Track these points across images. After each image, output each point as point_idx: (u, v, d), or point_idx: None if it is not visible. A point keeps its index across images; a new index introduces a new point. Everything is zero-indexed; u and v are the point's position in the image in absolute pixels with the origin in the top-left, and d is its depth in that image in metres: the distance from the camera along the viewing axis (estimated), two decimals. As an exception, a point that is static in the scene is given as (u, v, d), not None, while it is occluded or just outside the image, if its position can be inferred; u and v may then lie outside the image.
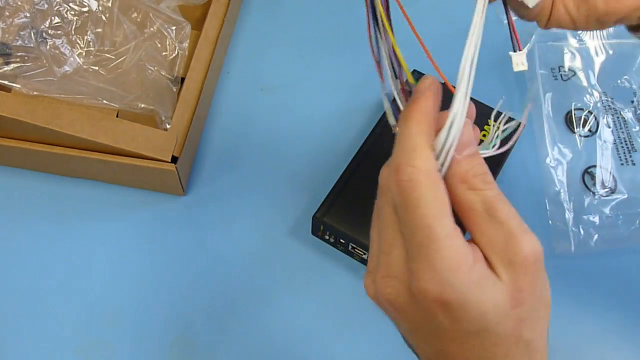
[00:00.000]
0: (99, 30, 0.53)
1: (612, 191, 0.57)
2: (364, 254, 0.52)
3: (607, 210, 0.56)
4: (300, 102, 0.63)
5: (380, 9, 0.30)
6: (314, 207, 0.52)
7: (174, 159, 0.52)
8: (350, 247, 0.52)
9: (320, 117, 0.62)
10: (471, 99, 0.59)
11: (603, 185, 0.58)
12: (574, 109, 0.62)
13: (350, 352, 0.51)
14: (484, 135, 0.56)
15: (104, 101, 0.51)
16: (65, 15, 0.52)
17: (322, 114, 0.62)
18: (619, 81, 0.64)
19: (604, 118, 0.61)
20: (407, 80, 0.32)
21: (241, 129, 0.62)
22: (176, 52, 0.56)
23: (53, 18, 0.51)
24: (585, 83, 0.64)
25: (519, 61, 0.28)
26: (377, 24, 0.30)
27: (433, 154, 0.29)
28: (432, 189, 0.28)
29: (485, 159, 0.58)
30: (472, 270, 0.27)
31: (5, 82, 0.50)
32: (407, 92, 0.32)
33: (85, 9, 0.52)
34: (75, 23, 0.52)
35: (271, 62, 0.66)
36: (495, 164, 0.56)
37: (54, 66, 0.50)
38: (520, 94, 0.65)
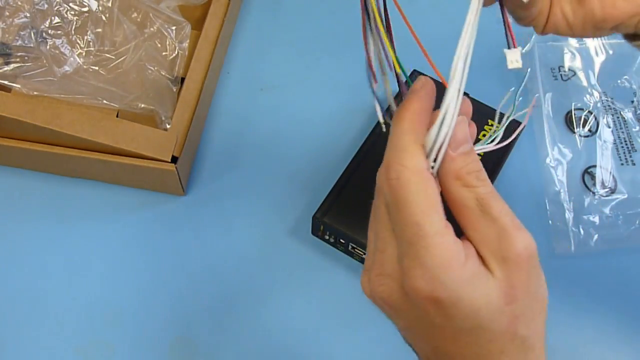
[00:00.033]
0: (99, 30, 0.53)
1: (612, 191, 0.57)
2: (364, 254, 0.52)
3: (607, 210, 0.56)
4: (300, 103, 0.63)
5: (374, 11, 0.29)
6: (314, 207, 0.52)
7: (174, 159, 0.52)
8: (350, 247, 0.52)
9: (320, 117, 0.62)
10: (471, 99, 0.59)
11: (603, 185, 0.58)
12: (574, 109, 0.62)
13: (350, 351, 0.51)
14: (484, 135, 0.56)
15: (104, 101, 0.51)
16: (65, 15, 0.52)
17: (322, 114, 0.62)
18: (619, 81, 0.64)
19: (604, 118, 0.61)
20: (406, 82, 0.32)
21: (241, 129, 0.62)
22: (176, 52, 0.56)
23: (53, 18, 0.51)
24: (585, 83, 0.64)
25: (513, 58, 0.28)
26: (371, 26, 0.30)
27: (423, 153, 0.29)
28: (422, 187, 0.28)
29: (485, 159, 0.58)
30: (464, 267, 0.27)
31: (5, 82, 0.50)
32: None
33: (85, 9, 0.52)
34: (75, 23, 0.52)
35: (271, 62, 0.66)
36: (495, 163, 0.56)
37: (54, 66, 0.50)
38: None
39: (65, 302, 0.52)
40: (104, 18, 0.53)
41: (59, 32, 0.51)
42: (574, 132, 0.61)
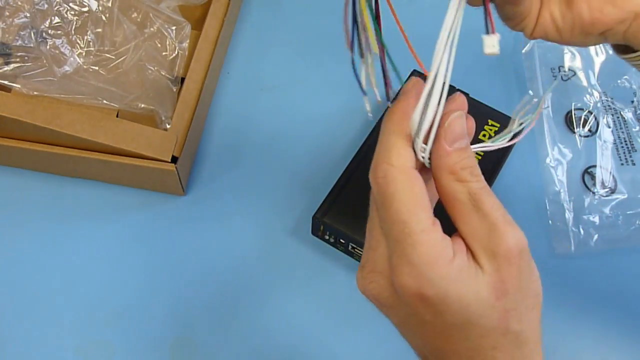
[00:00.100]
0: (99, 30, 0.53)
1: (612, 191, 0.57)
2: (364, 254, 0.52)
3: (607, 210, 0.56)
4: (300, 103, 0.63)
5: (364, 14, 0.30)
6: (314, 207, 0.52)
7: (174, 159, 0.52)
8: (350, 247, 0.52)
9: (320, 118, 0.62)
10: (471, 99, 0.60)
11: (603, 185, 0.58)
12: (574, 109, 0.62)
13: (350, 351, 0.51)
14: (484, 135, 0.56)
15: (104, 101, 0.51)
16: (65, 15, 0.52)
17: (322, 114, 0.62)
18: (619, 81, 0.64)
19: (604, 118, 0.61)
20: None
21: (241, 129, 0.62)
22: (176, 52, 0.56)
23: (53, 18, 0.51)
24: (585, 83, 0.64)
25: (490, 43, 0.28)
26: (358, 28, 0.31)
27: (411, 152, 0.29)
28: (408, 186, 0.28)
29: (485, 159, 0.58)
30: (451, 264, 0.28)
31: (5, 82, 0.50)
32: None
33: (85, 9, 0.52)
34: (75, 23, 0.52)
35: (271, 62, 0.66)
36: (495, 163, 0.56)
37: (54, 66, 0.50)
38: (520, 94, 0.65)
39: (65, 302, 0.52)
40: (104, 18, 0.53)
41: (59, 32, 0.51)
42: (574, 132, 0.61)
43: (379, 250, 0.30)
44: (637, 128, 0.61)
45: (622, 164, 0.59)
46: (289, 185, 0.58)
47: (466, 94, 0.58)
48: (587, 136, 0.61)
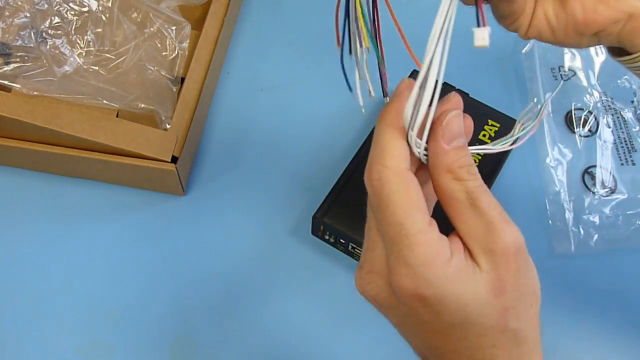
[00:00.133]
0: (99, 30, 0.53)
1: (612, 191, 0.57)
2: (364, 254, 0.52)
3: (607, 210, 0.56)
4: (300, 103, 0.63)
5: (358, 8, 0.30)
6: (314, 207, 0.52)
7: (174, 159, 0.52)
8: (350, 247, 0.52)
9: (320, 118, 0.62)
10: (471, 99, 0.59)
11: (603, 185, 0.58)
12: (574, 109, 0.62)
13: (350, 351, 0.51)
14: (484, 135, 0.56)
15: (104, 101, 0.51)
16: (65, 15, 0.52)
17: (322, 114, 0.62)
18: (619, 81, 0.64)
19: (604, 118, 0.61)
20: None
21: (241, 129, 0.62)
22: (176, 52, 0.56)
23: (53, 18, 0.51)
24: (585, 83, 0.64)
25: (480, 36, 0.28)
26: (349, 23, 0.31)
27: (406, 153, 0.29)
28: (403, 187, 0.28)
29: (485, 159, 0.58)
30: (448, 264, 0.28)
31: (5, 82, 0.50)
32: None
33: (85, 9, 0.52)
34: (75, 23, 0.52)
35: (271, 62, 0.66)
36: (495, 163, 0.56)
37: (54, 66, 0.50)
38: (520, 94, 0.65)
39: (65, 302, 0.52)
40: (104, 18, 0.53)
41: (59, 32, 0.51)
42: (574, 132, 0.61)
43: (377, 251, 0.30)
44: (637, 128, 0.61)
45: (622, 164, 0.59)
46: (289, 185, 0.58)
47: (466, 94, 0.58)
48: (587, 136, 0.61)
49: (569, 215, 0.56)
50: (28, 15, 0.51)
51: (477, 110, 0.58)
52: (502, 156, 0.57)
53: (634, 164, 0.59)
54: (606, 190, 0.57)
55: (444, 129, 0.29)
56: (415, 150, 0.30)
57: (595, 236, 0.55)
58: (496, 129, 0.57)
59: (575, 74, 0.64)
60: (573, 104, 0.62)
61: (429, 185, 0.31)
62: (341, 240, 0.52)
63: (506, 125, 0.57)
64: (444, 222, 0.30)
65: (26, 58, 0.50)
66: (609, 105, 0.62)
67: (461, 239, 0.29)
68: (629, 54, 0.36)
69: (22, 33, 0.50)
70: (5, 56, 0.50)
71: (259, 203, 0.57)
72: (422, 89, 0.28)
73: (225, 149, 0.60)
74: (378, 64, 0.31)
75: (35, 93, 0.50)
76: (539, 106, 0.34)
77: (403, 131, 0.30)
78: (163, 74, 0.54)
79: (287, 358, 0.51)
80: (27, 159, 0.56)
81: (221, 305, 0.52)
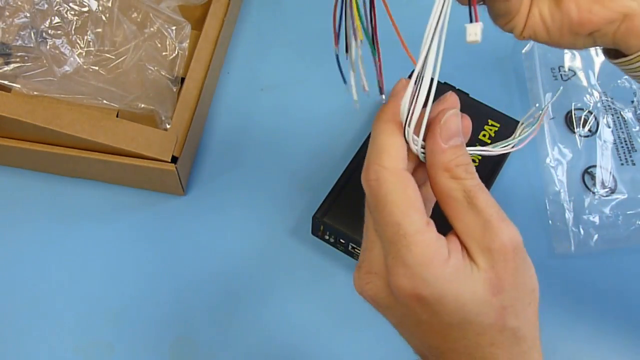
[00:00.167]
0: (99, 30, 0.53)
1: (612, 191, 0.57)
2: (364, 254, 0.52)
3: (607, 210, 0.56)
4: (300, 102, 0.63)
5: (355, 12, 0.30)
6: (314, 207, 0.52)
7: (174, 159, 0.52)
8: (350, 247, 0.52)
9: (320, 117, 0.62)
10: (471, 99, 0.59)
11: (603, 185, 0.58)
12: (574, 109, 0.62)
13: (350, 351, 0.51)
14: (484, 136, 0.56)
15: (104, 101, 0.51)
16: (65, 15, 0.52)
17: (322, 114, 0.62)
18: (619, 81, 0.64)
19: (604, 118, 0.61)
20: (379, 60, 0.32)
21: (241, 129, 0.62)
22: (176, 52, 0.56)
23: (53, 18, 0.51)
24: (585, 83, 0.64)
25: (473, 31, 0.28)
26: (346, 18, 0.31)
27: (403, 153, 0.29)
28: (400, 187, 0.29)
29: (485, 159, 0.58)
30: (446, 263, 0.28)
31: (5, 82, 0.50)
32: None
33: (85, 9, 0.52)
34: (75, 23, 0.52)
35: (271, 62, 0.66)
36: (495, 164, 0.56)
37: (54, 66, 0.50)
38: (520, 94, 0.65)
39: (65, 301, 0.52)
40: (104, 18, 0.53)
41: (59, 32, 0.51)
42: (574, 132, 0.61)
43: (375, 251, 0.30)
44: (637, 128, 0.61)
45: (622, 164, 0.59)
46: (289, 185, 0.58)
47: (466, 94, 0.58)
48: (587, 136, 0.61)
49: (569, 215, 0.56)
50: (28, 15, 0.51)
51: (477, 110, 0.58)
52: (502, 156, 0.57)
53: (634, 164, 0.59)
54: (606, 190, 0.57)
55: (441, 127, 0.29)
56: (413, 147, 0.30)
57: (595, 236, 0.55)
58: (496, 129, 0.57)
59: (575, 74, 0.64)
60: (573, 104, 0.62)
61: (427, 186, 0.31)
62: (341, 240, 0.52)
63: (506, 125, 0.57)
64: (443, 222, 0.30)
65: (26, 58, 0.50)
66: (609, 105, 0.62)
67: (459, 238, 0.29)
68: (625, 55, 0.36)
69: (22, 33, 0.50)
70: (5, 56, 0.50)
71: (259, 203, 0.57)
72: (418, 84, 0.28)
73: (225, 149, 0.60)
74: (373, 56, 0.31)
75: (35, 93, 0.50)
76: (539, 112, 0.34)
77: (400, 131, 0.30)
78: (163, 74, 0.54)
79: (287, 358, 0.51)
80: (27, 159, 0.56)
81: (221, 305, 0.52)
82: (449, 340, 0.29)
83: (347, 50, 0.33)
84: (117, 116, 0.53)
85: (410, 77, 0.29)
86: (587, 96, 0.63)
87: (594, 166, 0.59)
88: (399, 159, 0.29)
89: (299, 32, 0.68)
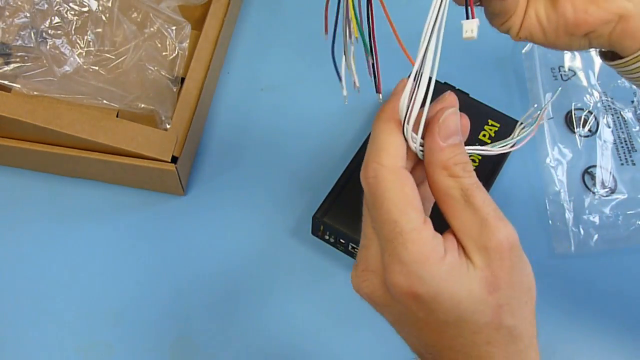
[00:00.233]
0: (99, 30, 0.53)
1: (612, 191, 0.57)
2: (364, 254, 0.52)
3: (607, 210, 0.56)
4: (301, 102, 0.63)
5: (350, 9, 0.30)
6: (314, 207, 0.52)
7: (174, 159, 0.52)
8: (350, 247, 0.52)
9: (320, 117, 0.62)
10: (471, 99, 0.59)
11: (603, 185, 0.58)
12: (574, 109, 0.62)
13: (350, 351, 0.51)
14: (484, 135, 0.56)
15: (104, 101, 0.51)
16: (65, 15, 0.52)
17: (322, 114, 0.62)
18: (619, 81, 0.64)
19: (604, 118, 0.61)
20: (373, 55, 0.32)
21: (241, 129, 0.62)
22: (176, 52, 0.56)
23: (53, 18, 0.51)
24: (585, 83, 0.64)
25: (469, 28, 0.28)
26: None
27: (402, 152, 0.30)
28: (398, 185, 0.29)
29: (485, 159, 0.58)
30: (442, 261, 0.28)
31: (5, 82, 0.50)
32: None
33: (85, 9, 0.52)
34: (75, 23, 0.52)
35: (271, 62, 0.66)
36: (495, 164, 0.56)
37: (54, 66, 0.50)
38: (520, 94, 0.65)
39: (65, 301, 0.52)
40: (104, 18, 0.53)
41: (59, 32, 0.51)
42: (574, 132, 0.61)
43: (372, 249, 0.30)
44: (637, 128, 0.61)
45: (622, 164, 0.59)
46: (289, 185, 0.58)
47: (466, 94, 0.58)
48: (587, 136, 0.61)
49: (569, 215, 0.56)
50: (28, 15, 0.51)
51: (477, 110, 0.58)
52: (502, 156, 0.57)
53: (634, 164, 0.59)
54: (606, 190, 0.57)
55: (440, 125, 0.29)
56: (412, 144, 0.30)
57: (595, 236, 0.55)
58: (496, 129, 0.57)
59: (575, 74, 0.64)
60: (573, 104, 0.62)
61: (426, 185, 0.31)
62: (341, 240, 0.52)
63: (506, 125, 0.57)
64: (441, 221, 0.30)
65: (26, 58, 0.50)
66: (609, 105, 0.62)
67: (455, 236, 0.29)
68: (621, 57, 0.36)
69: (22, 33, 0.50)
70: (5, 56, 0.50)
71: (259, 203, 0.57)
72: (417, 82, 0.28)
73: (225, 149, 0.60)
74: (366, 53, 0.32)
75: (35, 93, 0.50)
76: (538, 113, 0.34)
77: (400, 131, 0.30)
78: (163, 74, 0.54)
79: (287, 358, 0.51)
80: (27, 159, 0.56)
81: (221, 305, 0.52)
82: (446, 338, 0.29)
83: (344, 50, 0.33)
84: (117, 116, 0.53)
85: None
86: (587, 96, 0.63)
87: (594, 166, 0.59)
88: (398, 158, 0.29)
89: (299, 32, 0.68)
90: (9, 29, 0.51)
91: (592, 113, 0.62)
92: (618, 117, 0.62)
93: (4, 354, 0.50)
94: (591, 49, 0.38)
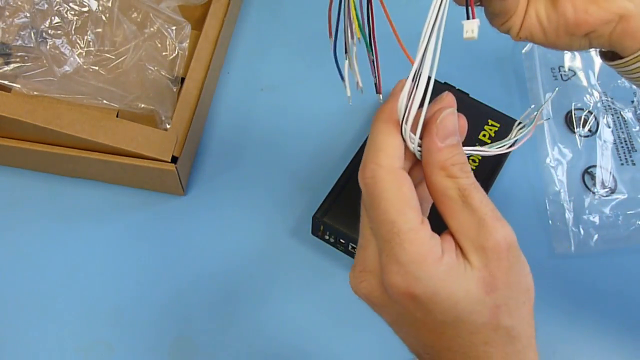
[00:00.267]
0: (99, 30, 0.53)
1: (612, 191, 0.57)
2: (364, 254, 0.52)
3: (607, 210, 0.56)
4: (301, 102, 0.63)
5: (352, 9, 0.30)
6: (314, 207, 0.52)
7: (174, 159, 0.52)
8: (350, 247, 0.52)
9: (320, 117, 0.62)
10: (471, 99, 0.59)
11: (603, 185, 0.58)
12: (574, 109, 0.62)
13: (350, 351, 0.51)
14: (484, 135, 0.56)
15: (104, 101, 0.51)
16: (65, 15, 0.52)
17: (322, 114, 0.62)
18: (619, 81, 0.64)
19: (604, 118, 0.61)
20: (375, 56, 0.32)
21: (241, 129, 0.62)
22: (176, 52, 0.56)
23: (53, 18, 0.51)
24: (585, 83, 0.64)
25: (469, 28, 0.28)
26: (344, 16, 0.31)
27: (400, 152, 0.30)
28: (395, 185, 0.29)
29: (485, 159, 0.58)
30: (440, 262, 0.28)
31: (5, 82, 0.50)
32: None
33: (85, 9, 0.52)
34: (75, 23, 0.52)
35: (271, 62, 0.66)
36: (495, 164, 0.56)
37: (54, 66, 0.50)
38: (520, 94, 0.65)
39: (65, 301, 0.52)
40: (104, 18, 0.53)
41: (59, 32, 0.51)
42: (574, 132, 0.61)
43: (369, 250, 0.30)
44: (637, 128, 0.61)
45: (622, 164, 0.59)
46: (289, 185, 0.58)
47: (466, 94, 0.58)
48: (587, 136, 0.61)
49: (569, 215, 0.56)
50: (28, 15, 0.51)
51: (477, 110, 0.58)
52: (502, 156, 0.57)
53: (634, 164, 0.59)
54: (606, 190, 0.57)
55: (438, 126, 0.29)
56: (410, 144, 0.30)
57: (595, 236, 0.55)
58: (496, 129, 0.57)
59: (575, 74, 0.64)
60: (573, 104, 0.62)
61: (424, 185, 0.31)
62: (341, 240, 0.52)
63: (506, 125, 0.57)
64: (439, 222, 0.30)
65: (26, 58, 0.50)
66: (609, 105, 0.62)
67: (453, 236, 0.29)
68: (621, 58, 0.36)
69: (22, 33, 0.50)
70: (5, 56, 0.50)
71: (259, 203, 0.57)
72: (416, 81, 0.28)
73: (225, 149, 0.60)
74: (368, 54, 0.32)
75: (35, 93, 0.50)
76: (535, 114, 0.34)
77: (398, 131, 0.30)
78: (163, 74, 0.54)
79: (287, 358, 0.51)
80: (27, 159, 0.56)
81: (221, 305, 0.52)
82: (444, 338, 0.29)
83: (345, 51, 0.33)
84: (117, 116, 0.53)
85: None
86: (587, 96, 0.63)
87: (594, 166, 0.59)
88: (395, 158, 0.29)
89: (299, 32, 0.68)
90: (9, 29, 0.51)
91: (592, 113, 0.62)
92: (618, 117, 0.62)
93: (4, 354, 0.50)
94: (591, 49, 0.38)
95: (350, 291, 0.55)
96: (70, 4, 0.52)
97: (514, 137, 0.34)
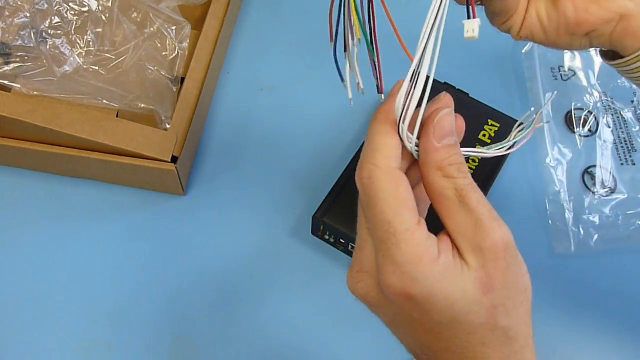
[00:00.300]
0: (99, 30, 0.53)
1: (612, 191, 0.57)
2: (364, 254, 0.52)
3: (607, 210, 0.56)
4: (301, 102, 0.63)
5: (353, 10, 0.30)
6: (314, 207, 0.52)
7: (174, 159, 0.52)
8: (350, 247, 0.52)
9: (320, 117, 0.62)
10: (471, 99, 0.59)
11: (603, 185, 0.58)
12: (574, 109, 0.62)
13: (350, 351, 0.51)
14: (484, 135, 0.56)
15: (104, 101, 0.51)
16: (65, 15, 0.52)
17: (322, 114, 0.62)
18: (619, 81, 0.64)
19: (604, 118, 0.61)
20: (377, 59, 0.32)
21: (241, 129, 0.62)
22: (176, 52, 0.56)
23: (53, 18, 0.51)
24: (585, 83, 0.64)
25: (470, 28, 0.28)
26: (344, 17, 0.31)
27: (397, 153, 0.30)
28: (392, 186, 0.29)
29: (485, 159, 0.58)
30: (436, 262, 0.28)
31: (5, 82, 0.50)
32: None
33: (85, 9, 0.52)
34: (75, 23, 0.52)
35: (271, 62, 0.66)
36: (495, 164, 0.56)
37: (54, 66, 0.50)
38: (520, 94, 0.65)
39: (64, 301, 0.52)
40: (104, 18, 0.53)
41: (59, 32, 0.51)
42: (574, 132, 0.61)
43: (366, 250, 0.30)
44: (637, 128, 0.61)
45: (622, 164, 0.59)
46: (289, 185, 0.58)
47: (466, 94, 0.58)
48: (587, 136, 0.61)
49: (569, 215, 0.56)
50: (28, 15, 0.51)
51: (477, 110, 0.58)
52: (502, 157, 0.57)
53: (634, 164, 0.59)
54: (606, 190, 0.57)
55: (435, 126, 0.29)
56: (407, 144, 0.30)
57: (595, 236, 0.55)
58: (496, 129, 0.57)
59: (575, 74, 0.64)
60: (573, 104, 0.62)
61: (421, 186, 0.31)
62: (341, 240, 0.52)
63: (506, 125, 0.57)
64: (436, 223, 0.30)
65: (26, 58, 0.50)
66: (609, 105, 0.62)
67: (450, 237, 0.29)
68: (622, 57, 0.36)
69: (22, 33, 0.50)
70: (5, 56, 0.50)
71: (259, 203, 0.57)
72: (414, 81, 0.28)
73: (225, 149, 0.60)
74: (369, 54, 0.32)
75: (35, 93, 0.50)
76: (534, 117, 0.34)
77: (395, 132, 0.30)
78: (163, 74, 0.54)
79: (287, 358, 0.51)
80: (27, 159, 0.56)
81: (221, 305, 0.52)
82: (441, 339, 0.29)
83: (345, 50, 0.33)
84: (117, 116, 0.53)
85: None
86: (587, 96, 0.63)
87: (594, 166, 0.59)
88: (393, 159, 0.29)
89: (299, 32, 0.68)
90: (9, 29, 0.51)
91: (592, 113, 0.62)
92: (618, 117, 0.62)
93: (4, 354, 0.50)
94: (592, 49, 0.38)
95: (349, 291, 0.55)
96: (70, 4, 0.52)
97: (513, 139, 0.34)
